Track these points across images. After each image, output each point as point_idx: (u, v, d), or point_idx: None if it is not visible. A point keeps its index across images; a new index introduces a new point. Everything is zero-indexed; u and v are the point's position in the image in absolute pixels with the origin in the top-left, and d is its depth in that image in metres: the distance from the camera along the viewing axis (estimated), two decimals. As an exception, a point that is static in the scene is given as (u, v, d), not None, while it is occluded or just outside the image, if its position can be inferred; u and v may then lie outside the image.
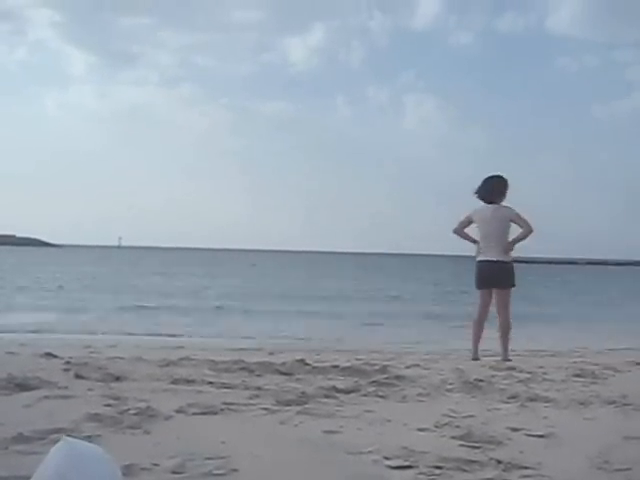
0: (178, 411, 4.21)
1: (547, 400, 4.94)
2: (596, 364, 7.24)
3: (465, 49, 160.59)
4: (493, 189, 8.17)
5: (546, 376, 6.26)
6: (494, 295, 8.15)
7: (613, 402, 4.88)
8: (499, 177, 8.26)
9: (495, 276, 8.12)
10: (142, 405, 4.25)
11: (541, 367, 6.93)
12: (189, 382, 5.24)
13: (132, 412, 4.07)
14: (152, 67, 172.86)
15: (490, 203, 8.11)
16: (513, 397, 5.02)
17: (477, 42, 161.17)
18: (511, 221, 8.10)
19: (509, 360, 7.81)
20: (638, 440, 3.82)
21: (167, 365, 6.18)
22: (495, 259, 8.05)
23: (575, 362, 7.67)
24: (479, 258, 8.19)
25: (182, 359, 6.55)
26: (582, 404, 4.83)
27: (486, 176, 8.24)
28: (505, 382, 5.79)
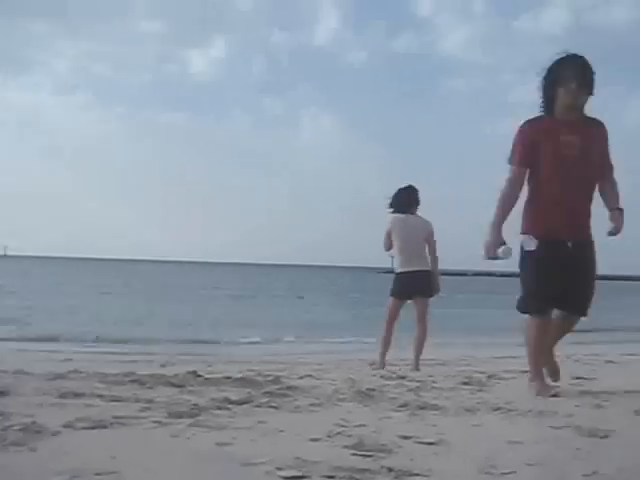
0: (66, 426, 4.08)
1: (436, 408, 5.04)
2: (482, 372, 7.46)
3: (361, 66, 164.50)
4: (409, 198, 8.52)
5: (435, 384, 6.41)
6: (416, 304, 8.48)
7: (499, 409, 5.04)
8: (413, 187, 8.56)
9: (418, 285, 8.46)
10: (27, 420, 4.10)
11: (430, 376, 7.10)
12: (78, 396, 5.08)
13: (16, 428, 3.90)
14: (48, 74, 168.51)
15: (404, 213, 8.42)
16: (404, 405, 5.10)
17: (373, 60, 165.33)
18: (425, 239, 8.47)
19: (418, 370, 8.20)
20: (522, 444, 3.96)
21: (54, 378, 5.97)
22: (419, 269, 8.41)
23: (463, 370, 7.89)
24: (402, 269, 8.46)
25: (71, 372, 6.35)
26: (469, 411, 4.97)
27: (400, 187, 8.51)
28: (396, 391, 5.89)
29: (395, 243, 8.49)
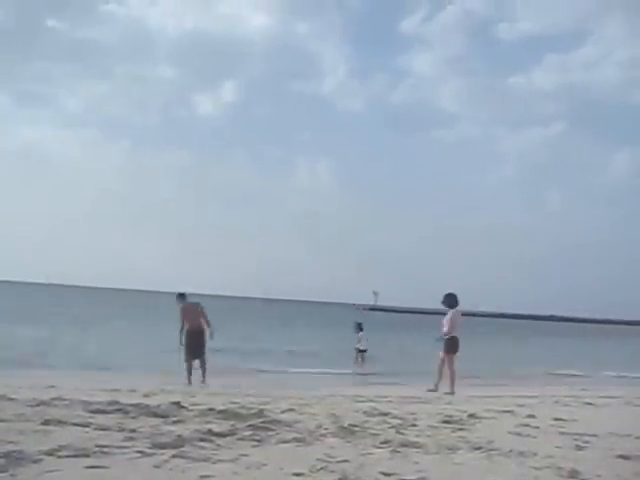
0: (48, 453, 4.09)
1: (418, 446, 5.07)
2: (464, 411, 7.47)
3: (359, 116, 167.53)
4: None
5: (417, 422, 6.42)
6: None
7: (480, 448, 5.08)
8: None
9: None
10: (10, 447, 4.12)
11: (412, 413, 7.11)
12: (61, 423, 5.09)
13: (-2, 454, 3.93)
14: (59, 110, 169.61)
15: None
16: (386, 442, 5.13)
17: (370, 110, 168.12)
18: None
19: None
20: (503, 484, 4.01)
21: (38, 405, 5.97)
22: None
23: (444, 408, 7.89)
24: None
25: (54, 399, 6.34)
26: (451, 449, 5.00)
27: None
28: (378, 427, 5.91)
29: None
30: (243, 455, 4.42)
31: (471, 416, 7.04)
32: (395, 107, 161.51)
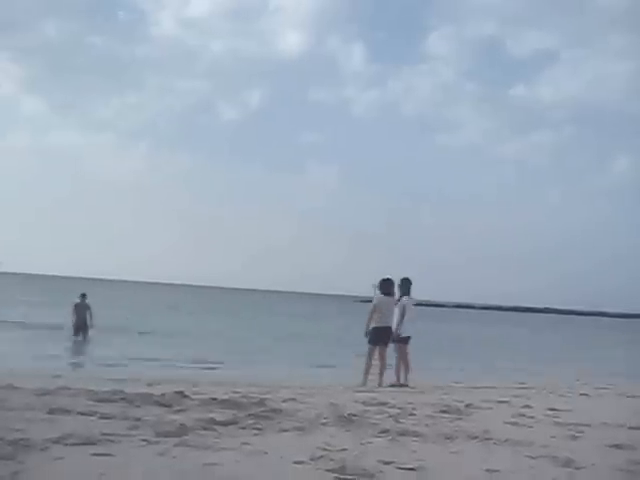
0: (54, 441, 4.15)
1: (416, 434, 5.16)
2: (461, 401, 7.56)
3: (369, 121, 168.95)
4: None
5: (415, 411, 6.51)
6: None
7: (476, 437, 5.17)
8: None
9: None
10: (17, 435, 4.18)
11: (410, 403, 7.19)
12: (67, 412, 5.17)
13: (6, 442, 3.99)
14: (87, 117, 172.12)
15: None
16: (384, 431, 5.22)
17: (382, 116, 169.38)
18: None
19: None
20: (499, 473, 4.09)
21: (44, 394, 6.05)
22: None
23: (442, 399, 7.98)
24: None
25: (60, 388, 6.42)
26: (448, 438, 5.09)
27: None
28: (377, 417, 6.00)
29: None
30: (245, 443, 4.49)
31: (468, 406, 7.14)
32: (407, 114, 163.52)
